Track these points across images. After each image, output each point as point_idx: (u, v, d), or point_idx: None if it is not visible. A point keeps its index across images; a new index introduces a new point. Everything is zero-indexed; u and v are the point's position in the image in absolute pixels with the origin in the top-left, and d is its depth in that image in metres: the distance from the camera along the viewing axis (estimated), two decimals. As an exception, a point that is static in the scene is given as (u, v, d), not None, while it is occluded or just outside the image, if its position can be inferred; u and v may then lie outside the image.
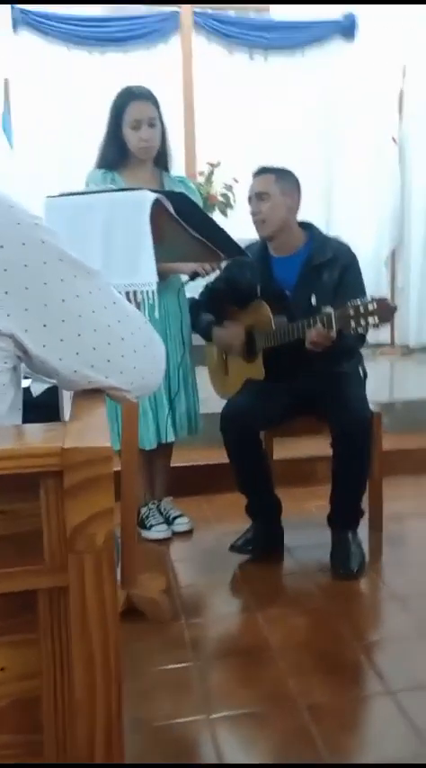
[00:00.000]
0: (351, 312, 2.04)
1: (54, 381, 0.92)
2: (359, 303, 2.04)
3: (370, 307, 2.02)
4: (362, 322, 2.03)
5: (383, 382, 4.25)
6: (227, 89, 5.35)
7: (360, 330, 2.07)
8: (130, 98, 2.38)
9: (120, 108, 2.38)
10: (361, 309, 2.03)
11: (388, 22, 5.10)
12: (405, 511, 2.80)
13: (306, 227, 2.47)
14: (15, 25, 5.06)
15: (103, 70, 5.20)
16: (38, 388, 1.66)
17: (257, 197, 2.37)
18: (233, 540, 2.41)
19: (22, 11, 5.03)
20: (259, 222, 2.38)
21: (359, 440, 2.24)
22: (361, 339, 2.37)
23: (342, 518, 2.34)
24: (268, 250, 2.46)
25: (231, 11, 5.41)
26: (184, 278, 2.49)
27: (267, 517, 2.42)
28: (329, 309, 2.09)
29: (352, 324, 2.04)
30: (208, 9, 5.31)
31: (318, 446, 2.78)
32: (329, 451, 2.31)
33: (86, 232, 1.70)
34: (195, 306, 2.60)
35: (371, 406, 2.40)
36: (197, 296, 2.63)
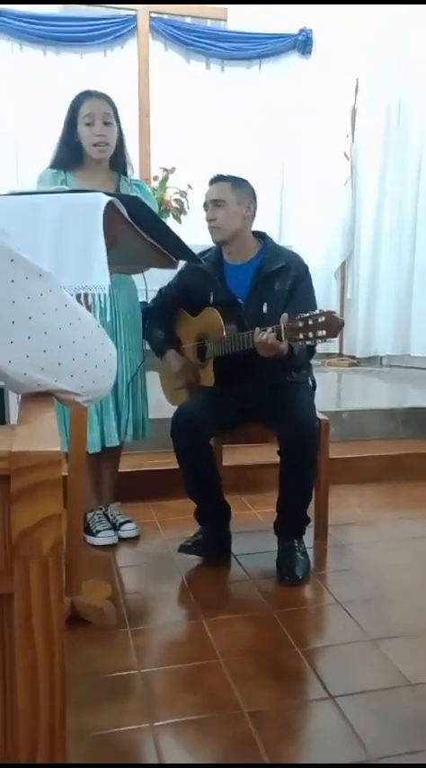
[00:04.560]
0: (300, 324, 2.06)
1: (1, 384, 0.90)
2: (307, 316, 2.06)
3: (320, 320, 2.04)
4: (310, 335, 2.05)
5: (331, 392, 4.33)
6: (184, 96, 5.38)
7: (309, 342, 2.10)
8: (86, 96, 2.39)
9: (76, 106, 2.38)
10: (310, 322, 2.05)
11: (343, 41, 5.22)
12: (350, 519, 2.85)
13: (260, 236, 2.50)
14: (-34, 20, 4.96)
15: (58, 71, 5.13)
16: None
17: (213, 204, 2.38)
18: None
19: (-27, 6, 4.93)
20: (213, 228, 2.40)
21: (307, 448, 2.27)
22: (311, 350, 2.41)
23: (289, 525, 2.36)
24: (222, 257, 2.48)
25: (188, 18, 5.43)
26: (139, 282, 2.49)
27: (216, 522, 2.43)
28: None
29: (301, 336, 2.07)
30: (165, 15, 5.32)
31: (266, 454, 2.81)
32: (276, 459, 2.33)
33: (36, 232, 1.68)
34: (148, 314, 2.59)
35: (319, 416, 2.44)
36: (149, 301, 2.62)
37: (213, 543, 2.41)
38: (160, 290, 2.63)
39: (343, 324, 2.07)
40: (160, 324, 2.59)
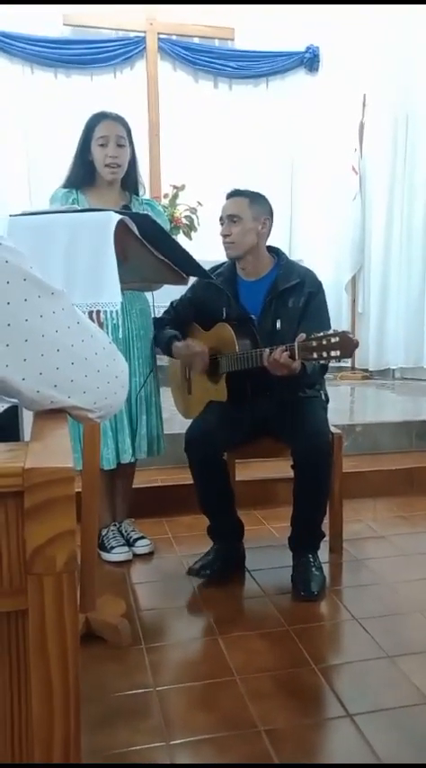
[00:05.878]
0: (314, 344, 2.05)
1: (14, 401, 0.91)
2: (322, 335, 2.04)
3: (333, 340, 2.01)
4: (324, 354, 2.03)
5: (343, 406, 4.31)
6: (192, 114, 5.44)
7: (322, 362, 2.09)
8: (101, 118, 2.42)
9: (91, 127, 2.42)
10: (324, 342, 2.02)
11: (350, 57, 5.26)
12: (364, 533, 2.82)
13: (275, 252, 2.50)
14: (-23, 45, 5.05)
15: (69, 93, 5.21)
16: (-3, 408, 1.64)
17: (228, 219, 2.38)
18: (192, 563, 2.40)
19: (-16, 30, 5.02)
20: (228, 244, 2.40)
21: (320, 462, 2.26)
22: (323, 368, 2.39)
23: (303, 540, 2.35)
24: (236, 272, 2.48)
25: (195, 38, 5.50)
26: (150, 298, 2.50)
27: (229, 539, 2.42)
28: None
29: (315, 355, 2.05)
30: (173, 36, 5.39)
31: (279, 468, 2.80)
32: (290, 473, 2.32)
33: (49, 251, 1.70)
34: (158, 322, 2.59)
35: (332, 429, 2.43)
36: (160, 314, 2.62)
37: (225, 561, 2.38)
38: (172, 302, 2.63)
39: (358, 344, 2.05)
40: (173, 329, 2.56)
